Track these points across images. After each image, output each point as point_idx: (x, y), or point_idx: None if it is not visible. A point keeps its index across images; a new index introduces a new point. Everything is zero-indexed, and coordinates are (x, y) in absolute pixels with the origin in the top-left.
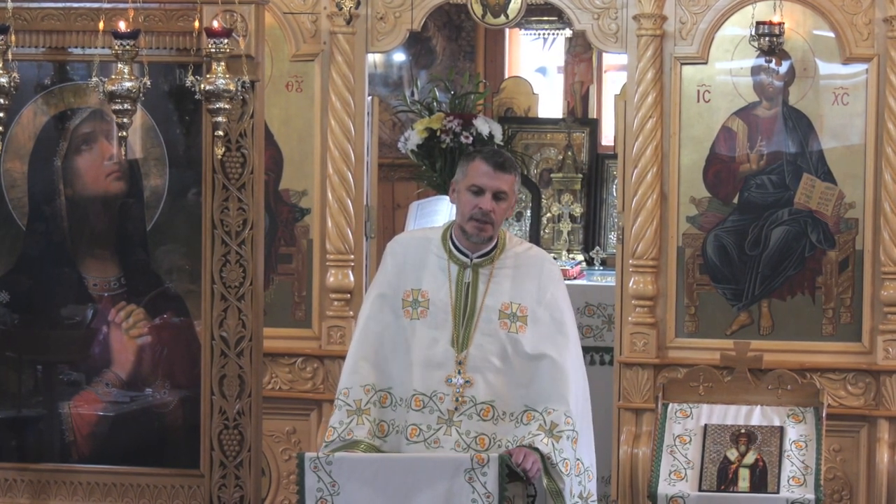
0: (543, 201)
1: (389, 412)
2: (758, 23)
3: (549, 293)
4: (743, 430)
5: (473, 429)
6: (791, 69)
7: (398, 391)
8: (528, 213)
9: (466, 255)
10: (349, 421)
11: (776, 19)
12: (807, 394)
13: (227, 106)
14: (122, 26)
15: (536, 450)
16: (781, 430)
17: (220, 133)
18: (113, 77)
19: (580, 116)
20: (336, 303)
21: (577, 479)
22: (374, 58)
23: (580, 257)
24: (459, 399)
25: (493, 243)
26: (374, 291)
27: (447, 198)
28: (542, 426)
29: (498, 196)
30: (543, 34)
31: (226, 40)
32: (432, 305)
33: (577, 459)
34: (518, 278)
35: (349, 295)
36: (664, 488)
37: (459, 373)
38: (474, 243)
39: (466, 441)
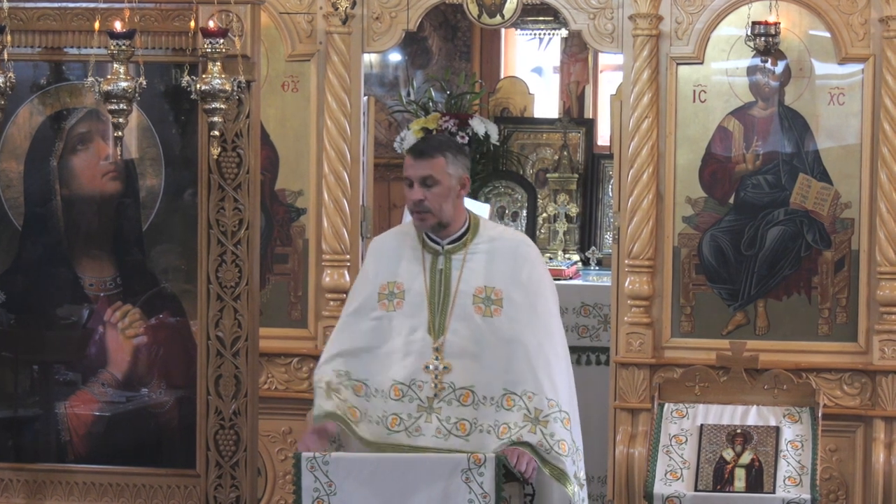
0: (539, 201)
1: (363, 402)
2: (753, 23)
3: (525, 274)
4: (739, 430)
5: (454, 415)
6: (787, 69)
7: (375, 382)
8: (524, 213)
9: (437, 243)
10: (322, 402)
11: (772, 19)
12: (803, 394)
13: (222, 106)
14: (117, 26)
15: (528, 444)
16: (777, 430)
17: (216, 133)
18: (109, 77)
19: (576, 116)
20: (332, 303)
21: (571, 459)
22: (370, 58)
23: (576, 257)
24: (438, 385)
25: (464, 228)
26: (352, 294)
27: None
28: (527, 415)
29: (425, 182)
30: (539, 34)
31: (222, 40)
32: (408, 295)
33: (573, 440)
34: (491, 262)
35: (345, 295)
36: (660, 488)
37: (437, 359)
38: (435, 231)
39: (447, 427)
